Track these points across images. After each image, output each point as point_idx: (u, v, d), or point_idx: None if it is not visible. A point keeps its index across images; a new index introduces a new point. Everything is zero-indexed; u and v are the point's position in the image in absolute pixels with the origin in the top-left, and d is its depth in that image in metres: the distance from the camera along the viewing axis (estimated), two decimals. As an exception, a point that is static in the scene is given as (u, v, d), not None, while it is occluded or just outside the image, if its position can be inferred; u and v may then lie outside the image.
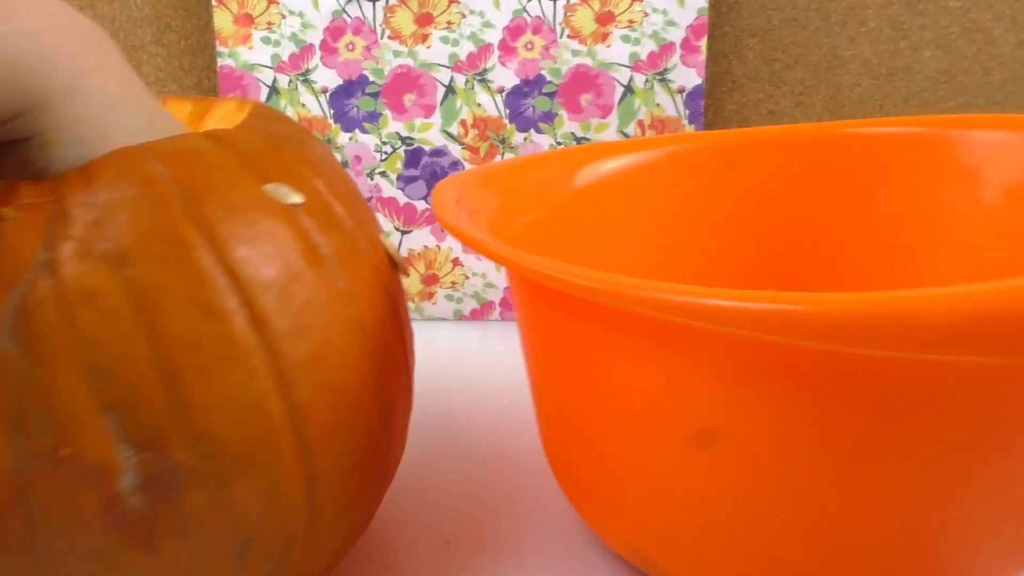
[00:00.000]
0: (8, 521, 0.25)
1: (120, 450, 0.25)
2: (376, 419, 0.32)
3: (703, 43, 0.61)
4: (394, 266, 0.36)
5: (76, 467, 0.25)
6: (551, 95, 0.63)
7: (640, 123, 0.63)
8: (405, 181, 0.65)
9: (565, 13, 0.61)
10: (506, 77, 0.63)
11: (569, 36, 0.62)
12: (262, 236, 0.28)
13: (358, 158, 0.65)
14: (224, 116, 0.37)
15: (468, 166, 0.65)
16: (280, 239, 0.28)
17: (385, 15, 0.62)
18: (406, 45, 0.62)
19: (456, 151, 0.64)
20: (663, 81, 0.62)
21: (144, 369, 0.25)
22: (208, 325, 0.26)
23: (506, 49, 0.62)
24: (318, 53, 0.63)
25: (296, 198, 0.30)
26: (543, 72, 0.62)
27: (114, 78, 0.29)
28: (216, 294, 0.26)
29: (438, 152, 0.64)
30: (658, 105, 0.62)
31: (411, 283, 0.67)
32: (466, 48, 0.62)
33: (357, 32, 0.62)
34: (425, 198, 0.66)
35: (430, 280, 0.67)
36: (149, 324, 0.25)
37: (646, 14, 0.61)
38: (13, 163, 0.28)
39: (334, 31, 0.62)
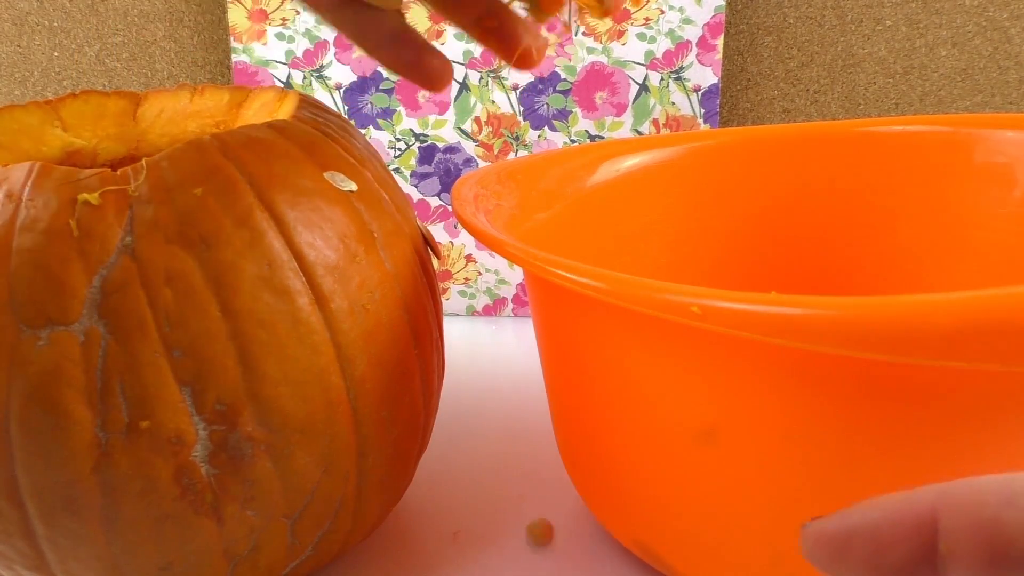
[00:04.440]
0: (86, 489, 0.26)
1: (195, 421, 0.27)
2: (419, 392, 0.33)
3: (719, 41, 0.61)
4: (428, 248, 0.37)
5: (154, 438, 0.26)
6: (565, 93, 0.62)
7: (655, 122, 0.63)
8: (419, 177, 0.65)
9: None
10: (520, 74, 0.62)
11: (584, 34, 0.61)
12: (324, 221, 0.30)
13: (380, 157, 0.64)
14: (263, 106, 0.38)
15: (481, 163, 0.65)
16: (340, 224, 0.30)
17: (400, 11, 0.62)
18: (420, 42, 0.62)
19: (470, 148, 0.64)
20: (678, 79, 0.62)
21: (219, 345, 0.27)
22: (278, 305, 0.28)
23: (521, 46, 0.62)
24: (332, 49, 0.63)
25: (351, 185, 0.32)
26: (558, 70, 0.62)
27: None
28: (285, 276, 0.28)
29: (452, 149, 0.64)
30: (673, 104, 0.62)
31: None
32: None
33: (371, 28, 0.62)
34: (439, 194, 0.65)
35: (443, 276, 0.67)
36: (225, 303, 0.27)
37: (662, 12, 0.61)
38: None
39: (348, 27, 0.62)
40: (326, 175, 0.31)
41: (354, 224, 0.31)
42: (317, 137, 0.32)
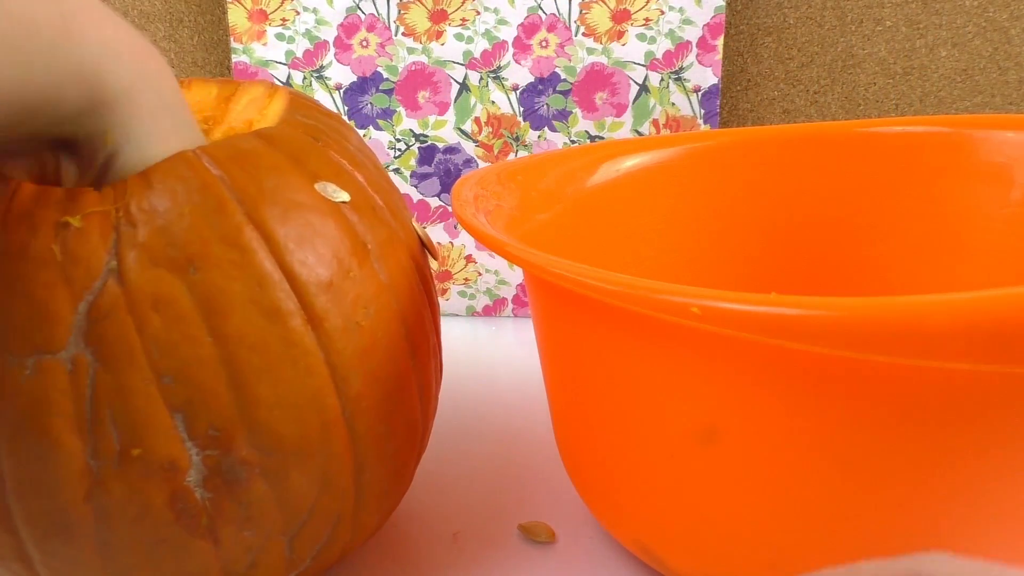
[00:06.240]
0: (79, 516, 0.26)
1: (187, 447, 0.26)
2: (416, 403, 0.33)
3: (719, 42, 0.61)
4: (425, 250, 0.37)
5: (146, 465, 0.26)
6: (565, 93, 0.63)
7: (655, 122, 0.63)
8: (419, 178, 0.65)
9: (580, 11, 0.61)
10: (520, 75, 0.62)
11: (584, 34, 0.61)
12: (316, 237, 0.29)
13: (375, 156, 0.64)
14: (253, 101, 0.37)
15: (481, 164, 0.65)
16: (332, 239, 0.29)
17: (399, 12, 0.62)
18: (420, 42, 0.62)
19: (470, 148, 0.64)
20: (678, 80, 0.62)
21: (210, 371, 0.26)
22: (270, 327, 0.27)
23: (521, 47, 0.62)
24: (332, 50, 0.63)
25: (343, 196, 0.31)
26: (558, 70, 0.62)
27: (166, 86, 0.30)
28: (277, 297, 0.27)
29: (452, 149, 0.64)
30: (673, 104, 0.62)
31: (423, 280, 0.67)
32: (480, 45, 0.62)
33: (371, 29, 0.62)
34: (439, 195, 0.65)
35: (443, 277, 0.67)
36: (215, 328, 0.26)
37: (662, 12, 0.61)
38: (78, 165, 0.29)
39: (348, 28, 0.62)
40: (317, 187, 0.30)
41: (347, 237, 0.30)
42: (308, 144, 0.31)
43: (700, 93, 0.62)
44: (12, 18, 0.23)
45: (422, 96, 0.63)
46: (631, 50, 0.62)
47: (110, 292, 0.25)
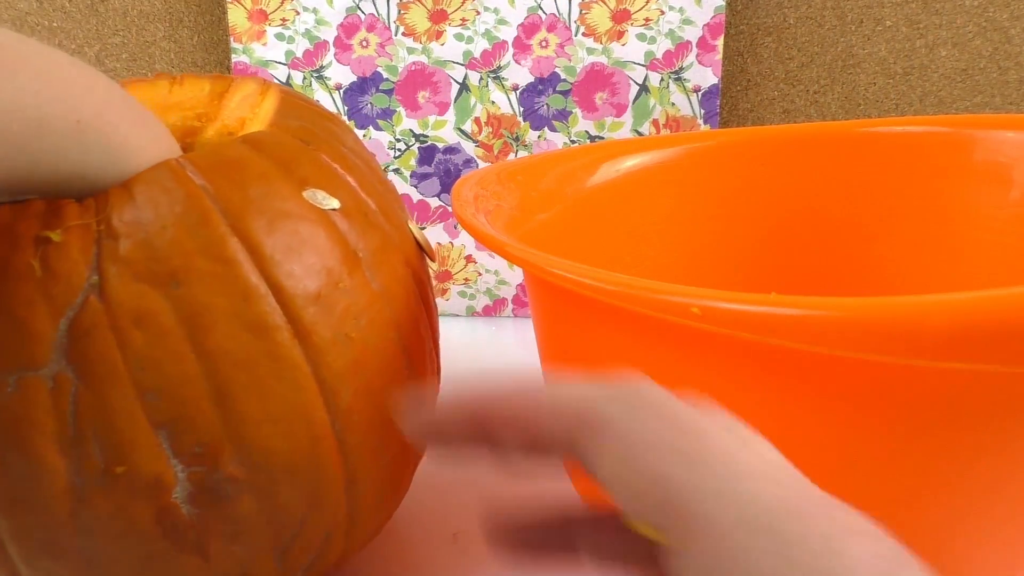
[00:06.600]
0: (65, 533, 0.26)
1: (172, 464, 0.26)
2: None
3: (719, 42, 0.61)
4: (422, 252, 0.36)
5: (131, 482, 0.25)
6: (565, 93, 0.62)
7: (655, 122, 0.63)
8: (419, 178, 0.65)
9: (580, 11, 0.61)
10: (520, 75, 0.62)
11: (584, 34, 0.61)
12: (304, 247, 0.28)
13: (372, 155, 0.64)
14: (245, 98, 0.37)
15: (481, 164, 0.65)
16: (321, 248, 0.28)
17: (399, 12, 0.62)
18: (420, 42, 0.62)
19: (470, 149, 0.64)
20: (678, 80, 0.62)
21: (195, 387, 0.25)
22: (256, 343, 0.26)
23: (521, 47, 0.62)
24: (332, 50, 0.63)
25: (333, 203, 0.30)
26: (558, 70, 0.62)
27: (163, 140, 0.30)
28: (263, 311, 0.26)
29: (452, 149, 0.64)
30: (673, 104, 0.62)
31: (423, 280, 0.67)
32: (480, 45, 0.62)
33: (371, 29, 0.62)
34: (439, 195, 0.65)
35: (443, 277, 0.67)
36: (199, 344, 0.25)
37: (662, 12, 0.61)
38: None
39: (348, 28, 0.62)
40: (305, 194, 0.29)
41: (337, 246, 0.29)
42: (297, 149, 0.31)
43: (700, 93, 0.62)
44: (24, 120, 0.23)
45: (422, 96, 0.63)
46: (631, 50, 0.62)
47: (91, 308, 0.25)
